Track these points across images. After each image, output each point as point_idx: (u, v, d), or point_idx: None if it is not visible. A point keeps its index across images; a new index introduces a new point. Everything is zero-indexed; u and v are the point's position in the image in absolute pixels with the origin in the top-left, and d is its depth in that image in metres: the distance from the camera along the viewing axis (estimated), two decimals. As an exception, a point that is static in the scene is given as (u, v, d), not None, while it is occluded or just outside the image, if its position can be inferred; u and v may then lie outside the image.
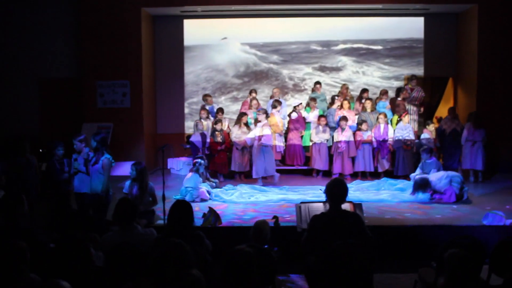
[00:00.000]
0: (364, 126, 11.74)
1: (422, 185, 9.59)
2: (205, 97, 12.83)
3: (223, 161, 11.81)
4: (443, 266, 4.17)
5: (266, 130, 11.31)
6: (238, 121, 11.90)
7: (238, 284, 3.72)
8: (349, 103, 12.46)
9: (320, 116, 12.07)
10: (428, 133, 11.62)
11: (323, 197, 5.41)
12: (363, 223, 5.19)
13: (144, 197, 7.66)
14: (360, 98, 12.88)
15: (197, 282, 3.36)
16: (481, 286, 4.52)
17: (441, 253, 4.69)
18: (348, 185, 5.34)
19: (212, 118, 12.30)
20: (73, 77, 13.03)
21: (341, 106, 12.35)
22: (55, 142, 8.17)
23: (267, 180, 11.42)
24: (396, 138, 11.63)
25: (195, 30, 14.05)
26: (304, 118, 12.37)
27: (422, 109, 12.83)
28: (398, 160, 11.66)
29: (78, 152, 7.90)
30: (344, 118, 11.72)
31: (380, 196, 9.83)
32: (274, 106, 12.06)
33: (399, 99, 12.61)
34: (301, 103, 12.52)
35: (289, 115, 12.43)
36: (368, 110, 12.31)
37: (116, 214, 5.04)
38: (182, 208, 4.99)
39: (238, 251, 3.83)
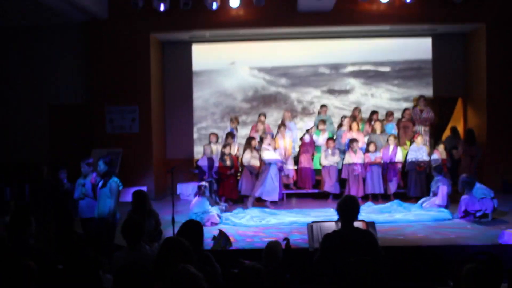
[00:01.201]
0: (371, 148, 11.66)
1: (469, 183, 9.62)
2: (232, 118, 12.93)
3: (233, 186, 11.74)
4: (460, 283, 4.04)
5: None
6: (248, 146, 11.85)
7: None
8: (358, 125, 12.40)
9: (328, 139, 12.00)
10: (438, 154, 11.52)
11: (335, 217, 5.31)
12: (376, 241, 5.07)
13: (149, 222, 7.52)
14: (370, 120, 12.83)
15: (194, 278, 3.24)
16: (500, 303, 4.37)
17: (458, 270, 4.57)
18: (360, 207, 5.24)
19: (233, 141, 12.32)
20: (83, 103, 13.11)
21: (350, 128, 12.30)
22: (58, 167, 8.16)
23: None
24: (410, 160, 11.53)
25: (204, 55, 14.14)
26: (313, 141, 12.33)
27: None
28: (410, 181, 11.54)
29: (84, 176, 7.87)
30: (355, 140, 11.66)
31: (393, 217, 9.70)
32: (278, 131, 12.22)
33: (403, 120, 12.50)
34: (313, 126, 12.48)
35: (301, 138, 12.41)
36: (378, 132, 12.25)
37: (124, 233, 4.98)
38: (193, 227, 4.91)
39: (249, 267, 3.77)
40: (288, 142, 12.16)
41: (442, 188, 10.06)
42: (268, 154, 11.27)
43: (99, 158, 7.69)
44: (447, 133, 13.87)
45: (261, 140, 11.73)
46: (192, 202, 10.07)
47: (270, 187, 11.18)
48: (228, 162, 11.61)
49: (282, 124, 12.27)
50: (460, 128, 13.79)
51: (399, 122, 12.61)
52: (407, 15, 12.52)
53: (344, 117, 12.73)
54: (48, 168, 8.26)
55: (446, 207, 10.01)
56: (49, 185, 8.05)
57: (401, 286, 6.69)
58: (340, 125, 12.69)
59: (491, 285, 3.90)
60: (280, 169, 11.75)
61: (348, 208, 5.00)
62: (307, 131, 12.38)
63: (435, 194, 10.24)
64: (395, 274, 6.87)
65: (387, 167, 11.66)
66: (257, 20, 12.64)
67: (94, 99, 12.81)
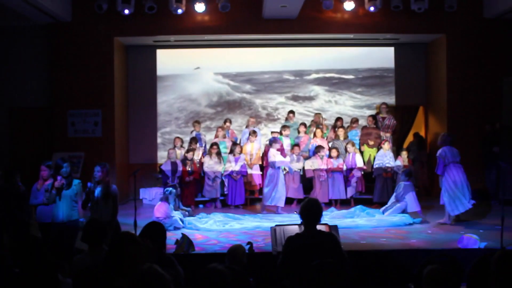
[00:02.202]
0: (334, 153, 11.77)
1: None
2: (194, 123, 12.99)
3: (191, 192, 11.71)
4: (421, 285, 4.10)
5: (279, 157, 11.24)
6: (209, 151, 11.89)
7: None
8: (322, 131, 12.52)
9: (294, 145, 12.06)
10: (401, 160, 11.70)
11: (298, 222, 5.33)
12: (339, 243, 5.10)
13: (108, 202, 7.43)
14: (334, 126, 12.96)
15: (161, 278, 3.17)
16: (459, 304, 4.45)
17: (418, 272, 4.63)
18: (324, 213, 5.27)
19: (199, 146, 12.26)
20: (44, 106, 12.84)
21: (315, 135, 12.40)
22: (12, 170, 7.95)
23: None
24: (376, 166, 11.68)
25: (168, 60, 14.07)
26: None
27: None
28: (376, 187, 11.70)
29: (44, 179, 7.67)
30: (321, 147, 11.76)
31: (356, 223, 9.79)
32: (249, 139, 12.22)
33: (367, 126, 12.71)
34: (277, 132, 12.54)
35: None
36: (341, 138, 12.40)
37: (85, 236, 4.89)
38: (155, 229, 4.86)
39: (212, 269, 3.73)
40: (256, 147, 12.18)
41: (412, 195, 10.19)
42: (279, 158, 11.17)
43: (58, 160, 7.51)
44: (409, 139, 14.12)
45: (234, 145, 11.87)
46: (156, 206, 9.99)
47: (281, 193, 11.11)
48: (188, 167, 11.57)
49: (253, 131, 12.29)
50: (422, 136, 14.07)
51: (363, 128, 12.79)
52: (370, 24, 12.72)
53: (302, 124, 12.80)
54: (3, 172, 8.02)
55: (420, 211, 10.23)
56: (1, 189, 7.82)
57: (363, 290, 6.76)
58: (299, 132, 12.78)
59: (451, 286, 3.97)
60: (244, 174, 11.77)
61: (311, 211, 5.01)
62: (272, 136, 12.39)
63: (398, 200, 10.38)
64: (357, 278, 6.93)
65: (347, 173, 11.80)
66: (222, 26, 12.64)
67: (56, 102, 12.57)
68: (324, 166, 11.65)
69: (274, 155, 11.08)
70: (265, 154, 11.94)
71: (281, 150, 11.76)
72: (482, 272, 5.07)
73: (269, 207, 11.19)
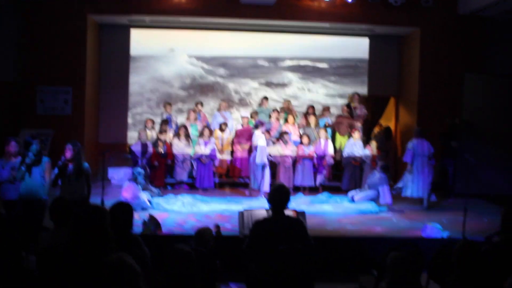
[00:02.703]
0: (305, 140, 11.82)
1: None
2: (165, 105, 12.91)
3: (161, 173, 11.67)
4: (384, 271, 4.18)
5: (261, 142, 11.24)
6: (177, 134, 11.85)
7: (177, 284, 3.61)
8: (294, 118, 12.57)
9: (266, 131, 12.04)
10: (370, 150, 11.83)
11: (266, 206, 5.37)
12: (306, 229, 5.16)
13: (80, 180, 7.37)
14: (306, 113, 13.02)
15: (130, 269, 3.15)
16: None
17: (382, 259, 4.72)
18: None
19: (169, 128, 12.21)
20: (13, 81, 12.57)
21: (287, 121, 12.44)
22: None
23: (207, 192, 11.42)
24: (346, 155, 11.79)
25: (142, 40, 13.89)
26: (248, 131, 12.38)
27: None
28: (345, 175, 11.82)
29: (12, 155, 7.50)
30: (285, 132, 11.77)
31: (323, 209, 9.89)
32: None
33: (340, 115, 12.80)
34: (247, 117, 12.54)
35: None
36: (312, 125, 12.46)
37: (51, 214, 4.84)
38: (122, 209, 4.84)
39: (179, 250, 3.74)
40: (227, 133, 12.18)
41: (386, 188, 10.33)
42: (261, 142, 11.20)
43: (26, 138, 7.40)
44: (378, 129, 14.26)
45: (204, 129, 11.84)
46: (123, 187, 9.93)
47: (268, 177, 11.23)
48: (161, 149, 11.51)
49: (224, 124, 12.37)
50: (392, 126, 14.21)
51: (338, 117, 12.87)
52: (347, 14, 12.75)
53: (274, 110, 12.84)
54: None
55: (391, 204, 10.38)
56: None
57: (328, 276, 6.85)
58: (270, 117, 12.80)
59: (413, 273, 4.06)
60: (213, 158, 11.75)
61: (279, 196, 5.05)
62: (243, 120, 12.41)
63: (370, 188, 10.54)
64: (322, 264, 7.02)
65: (318, 161, 11.87)
66: (198, 9, 12.51)
67: (25, 77, 12.32)
68: (288, 152, 11.66)
69: (258, 139, 11.19)
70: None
71: (245, 135, 11.88)
72: (442, 261, 5.22)
73: (255, 191, 11.29)
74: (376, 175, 10.54)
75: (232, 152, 12.32)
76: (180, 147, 11.66)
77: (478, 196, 11.06)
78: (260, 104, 13.30)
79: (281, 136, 11.75)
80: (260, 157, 11.08)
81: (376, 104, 14.59)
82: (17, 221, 7.12)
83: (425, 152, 10.44)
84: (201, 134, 11.83)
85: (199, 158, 11.61)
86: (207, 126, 12.17)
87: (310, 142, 11.89)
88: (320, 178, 11.96)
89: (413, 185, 10.43)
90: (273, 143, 11.89)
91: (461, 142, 11.21)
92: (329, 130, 12.60)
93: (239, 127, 12.48)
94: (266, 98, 13.28)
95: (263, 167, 11.08)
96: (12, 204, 7.44)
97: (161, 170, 11.67)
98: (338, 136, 12.60)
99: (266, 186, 11.01)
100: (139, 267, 4.74)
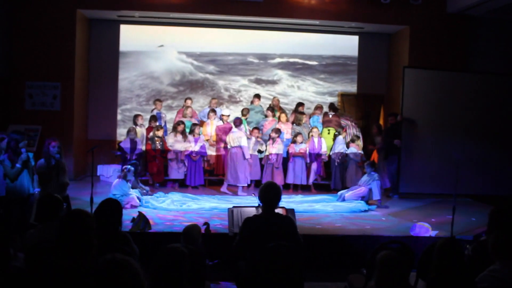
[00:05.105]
0: (299, 139, 11.81)
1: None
2: (155, 101, 12.92)
3: (159, 169, 11.62)
4: (373, 269, 4.19)
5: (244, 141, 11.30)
6: (174, 130, 11.75)
7: (168, 282, 3.59)
8: (286, 116, 12.53)
9: (254, 128, 11.99)
10: (356, 148, 11.85)
11: (256, 204, 5.37)
12: (295, 226, 5.17)
13: (60, 176, 7.32)
14: (295, 111, 12.98)
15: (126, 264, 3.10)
16: (408, 289, 4.57)
17: (371, 258, 4.74)
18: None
19: (158, 124, 12.11)
20: (1, 76, 12.45)
21: (279, 119, 12.40)
22: None
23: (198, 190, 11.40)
24: (334, 153, 11.82)
25: (132, 36, 13.84)
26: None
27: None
28: (335, 173, 11.88)
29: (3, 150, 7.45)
30: (276, 131, 11.74)
31: (312, 207, 9.91)
32: (208, 117, 12.16)
33: (331, 114, 12.74)
34: (228, 115, 12.38)
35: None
36: (303, 123, 12.44)
37: (38, 211, 4.81)
38: (111, 206, 4.82)
39: (172, 249, 3.72)
40: (215, 128, 12.14)
41: (376, 184, 10.35)
42: (244, 142, 11.37)
43: (13, 135, 7.32)
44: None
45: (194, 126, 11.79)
46: (113, 183, 9.88)
47: (243, 172, 11.31)
48: (158, 145, 11.47)
49: (212, 110, 12.26)
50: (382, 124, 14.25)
51: (325, 115, 12.86)
52: (336, 12, 12.79)
53: (269, 108, 12.83)
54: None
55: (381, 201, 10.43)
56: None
57: (317, 274, 6.87)
58: (265, 116, 12.78)
59: (402, 272, 4.06)
60: (204, 155, 11.72)
61: (269, 194, 5.06)
62: (221, 117, 12.31)
63: (361, 186, 10.58)
64: (312, 261, 7.04)
65: (311, 159, 11.85)
66: (188, 5, 12.49)
67: (14, 72, 12.22)
68: (273, 150, 11.63)
69: (240, 138, 11.26)
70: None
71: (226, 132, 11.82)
72: (430, 260, 5.23)
73: (231, 187, 11.30)
74: (367, 174, 10.57)
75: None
76: (174, 143, 11.53)
77: (422, 195, 11.30)
78: (252, 102, 13.23)
79: (270, 135, 11.71)
80: (248, 155, 11.23)
81: (366, 102, 14.59)
82: (4, 218, 7.07)
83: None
84: (190, 131, 11.76)
85: (189, 155, 11.56)
86: (196, 123, 12.12)
87: (302, 140, 11.87)
88: (312, 177, 11.94)
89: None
90: (264, 142, 11.88)
91: (403, 140, 11.13)
92: (320, 127, 12.53)
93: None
94: (257, 96, 13.23)
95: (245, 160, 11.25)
96: (1, 201, 7.38)
97: (161, 167, 11.62)
98: (325, 135, 12.56)
99: (245, 180, 11.24)
100: (136, 249, 4.73)
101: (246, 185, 11.42)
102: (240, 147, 11.24)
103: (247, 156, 11.22)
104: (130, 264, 2.71)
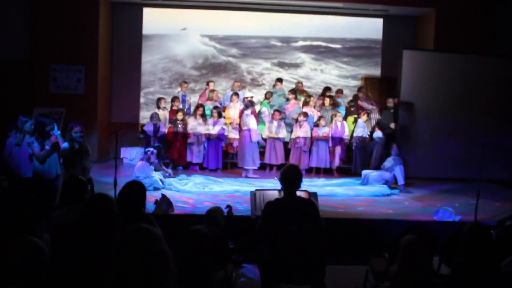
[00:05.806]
0: (322, 122, 11.75)
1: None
2: (181, 83, 12.97)
3: (181, 153, 11.67)
4: (396, 254, 4.17)
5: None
6: (194, 113, 11.78)
7: (191, 264, 3.62)
8: (313, 99, 12.45)
9: (275, 111, 11.94)
10: (381, 132, 11.72)
11: (278, 187, 5.36)
12: (318, 210, 5.17)
13: (84, 155, 7.40)
14: (323, 95, 12.86)
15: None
16: (432, 274, 4.55)
17: (394, 242, 4.72)
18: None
19: (182, 107, 12.20)
20: (26, 59, 12.58)
21: (305, 103, 12.34)
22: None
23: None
24: (356, 136, 11.75)
25: (155, 19, 13.84)
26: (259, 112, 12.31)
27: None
28: (356, 157, 11.82)
29: (29, 133, 7.56)
30: (304, 114, 11.70)
31: (334, 191, 9.88)
32: (231, 100, 12.13)
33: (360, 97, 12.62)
34: (251, 97, 12.45)
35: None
36: (328, 107, 12.36)
37: (64, 193, 4.87)
38: (135, 188, 4.86)
39: (195, 231, 3.75)
40: (238, 111, 12.12)
41: (399, 169, 10.28)
42: (253, 124, 11.40)
43: (38, 116, 7.42)
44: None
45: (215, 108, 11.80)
46: (136, 166, 9.97)
47: (251, 155, 11.37)
48: (180, 128, 11.51)
49: (235, 93, 12.24)
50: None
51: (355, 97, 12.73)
52: (361, -6, 12.63)
53: (290, 90, 12.74)
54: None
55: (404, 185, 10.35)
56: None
57: (339, 257, 6.87)
58: (287, 99, 12.71)
59: (425, 256, 4.04)
60: (222, 139, 11.70)
61: (291, 176, 5.05)
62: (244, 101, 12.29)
63: (386, 170, 10.50)
64: (334, 245, 7.03)
65: (334, 143, 11.79)
66: (211, -13, 12.46)
67: (38, 56, 12.33)
68: (301, 134, 11.60)
69: (249, 121, 11.29)
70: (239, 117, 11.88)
71: (254, 115, 11.78)
72: (454, 245, 5.19)
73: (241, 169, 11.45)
74: (391, 158, 10.46)
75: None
76: (194, 126, 11.55)
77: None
78: (274, 86, 13.16)
79: (298, 119, 11.67)
80: (256, 137, 11.31)
81: (390, 85, 14.40)
82: (31, 199, 7.19)
83: None
84: (211, 114, 11.78)
85: (208, 138, 11.57)
86: (217, 106, 12.11)
87: (325, 123, 11.81)
88: (337, 161, 11.88)
89: None
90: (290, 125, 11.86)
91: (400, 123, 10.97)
92: (342, 111, 12.45)
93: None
94: (280, 79, 13.13)
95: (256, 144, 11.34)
96: (28, 182, 7.51)
97: (183, 151, 11.66)
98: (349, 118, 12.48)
99: (252, 163, 11.29)
100: (159, 230, 4.77)
101: (253, 168, 11.41)
102: (249, 130, 11.24)
103: (254, 139, 11.23)
104: (156, 232, 2.73)
